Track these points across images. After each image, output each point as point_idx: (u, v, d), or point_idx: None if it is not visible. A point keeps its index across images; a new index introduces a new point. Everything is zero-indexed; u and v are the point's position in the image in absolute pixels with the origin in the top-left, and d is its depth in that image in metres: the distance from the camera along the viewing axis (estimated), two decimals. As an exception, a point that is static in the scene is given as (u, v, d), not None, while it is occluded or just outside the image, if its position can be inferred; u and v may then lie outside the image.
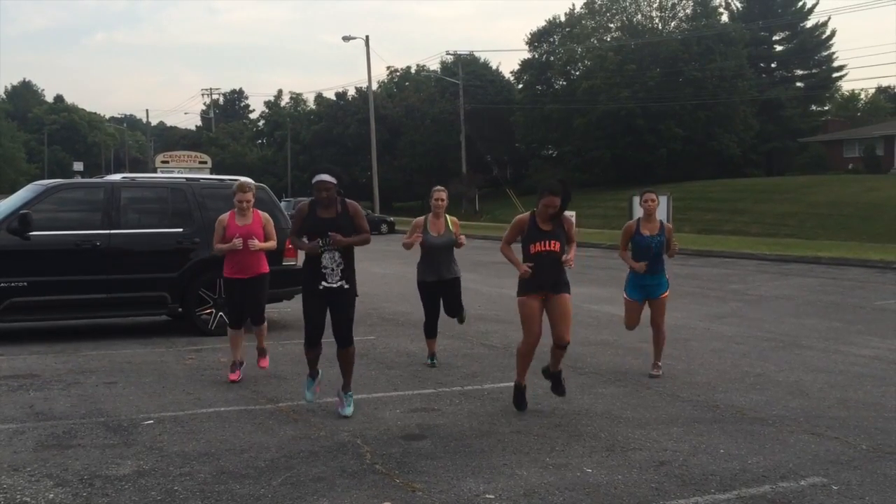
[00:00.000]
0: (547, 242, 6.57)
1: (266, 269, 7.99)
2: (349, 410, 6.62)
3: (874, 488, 5.10)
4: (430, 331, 8.70)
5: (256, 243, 7.77)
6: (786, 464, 5.54)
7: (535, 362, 6.99)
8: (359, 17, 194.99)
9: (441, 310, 8.73)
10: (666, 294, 8.31)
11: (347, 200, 6.63)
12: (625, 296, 8.41)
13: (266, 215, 8.10)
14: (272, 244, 8.00)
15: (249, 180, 11.85)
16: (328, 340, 6.75)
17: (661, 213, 31.65)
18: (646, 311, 8.36)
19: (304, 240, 6.56)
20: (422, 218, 8.63)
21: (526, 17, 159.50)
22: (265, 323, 8.08)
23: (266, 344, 8.16)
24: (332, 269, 6.46)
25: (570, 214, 35.82)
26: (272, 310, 12.04)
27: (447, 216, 8.59)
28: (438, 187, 8.81)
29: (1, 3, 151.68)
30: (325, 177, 6.46)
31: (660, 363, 8.32)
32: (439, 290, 8.59)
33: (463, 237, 8.59)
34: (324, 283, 6.49)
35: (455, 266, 8.64)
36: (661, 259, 8.23)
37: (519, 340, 6.95)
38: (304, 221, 6.55)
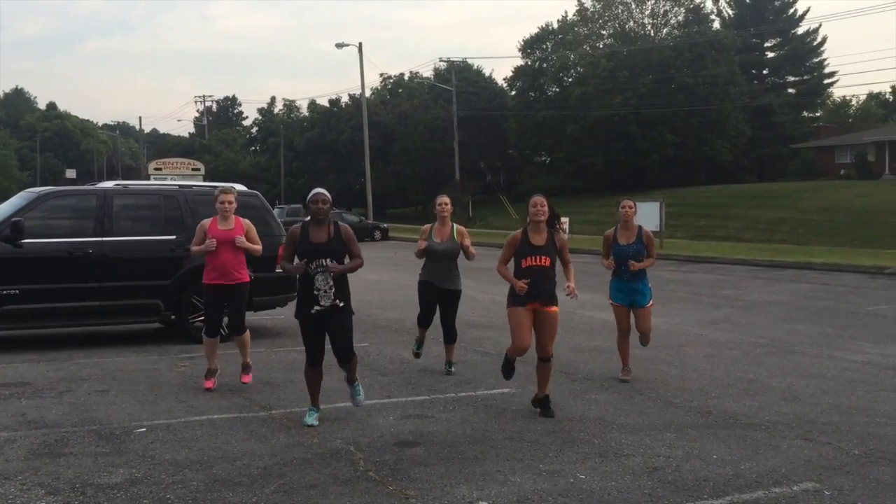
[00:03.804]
0: (538, 258, 6.73)
1: (247, 277, 7.96)
2: (361, 398, 6.75)
3: (866, 493, 5.12)
4: (424, 321, 8.72)
5: (242, 239, 7.75)
6: (778, 469, 5.55)
7: (527, 369, 6.99)
8: (352, 24, 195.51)
9: (437, 318, 8.71)
10: (651, 304, 8.36)
11: (340, 224, 6.63)
12: (611, 302, 8.46)
13: (248, 221, 8.05)
14: (258, 248, 7.97)
15: (243, 187, 11.91)
16: (329, 361, 6.73)
17: (654, 219, 31.42)
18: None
19: (292, 263, 6.55)
20: (428, 225, 8.74)
21: (518, 25, 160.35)
22: (247, 333, 7.98)
23: (249, 360, 8.04)
24: (325, 291, 6.42)
25: (564, 219, 35.71)
26: (265, 316, 12.03)
27: (454, 224, 8.65)
28: (441, 195, 8.89)
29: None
30: (322, 190, 6.58)
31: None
32: (438, 295, 8.59)
33: (473, 249, 8.63)
34: (316, 307, 6.44)
35: (458, 279, 8.65)
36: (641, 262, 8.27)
37: (507, 347, 7.03)
38: (296, 246, 6.52)
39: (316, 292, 6.41)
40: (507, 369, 7.19)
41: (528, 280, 6.69)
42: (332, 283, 6.43)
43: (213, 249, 7.70)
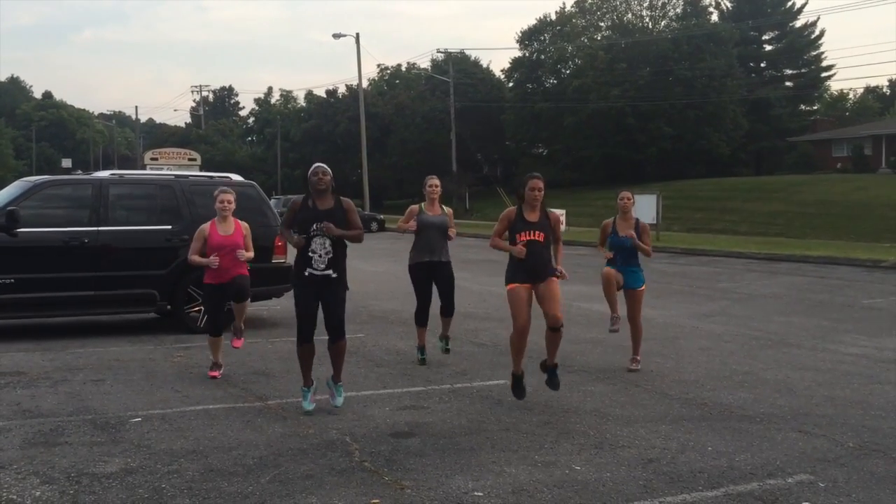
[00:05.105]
0: (532, 232, 6.84)
1: (246, 271, 7.99)
2: (339, 401, 6.71)
3: (860, 485, 5.13)
4: (422, 318, 8.68)
5: (244, 253, 7.83)
6: (773, 461, 5.57)
7: (534, 356, 7.01)
8: (349, 14, 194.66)
9: (434, 308, 8.73)
10: (643, 288, 8.45)
11: (342, 197, 6.74)
12: (604, 270, 8.50)
13: (246, 225, 8.06)
14: (250, 255, 7.99)
15: (239, 177, 11.90)
16: (320, 339, 6.73)
17: (651, 211, 31.43)
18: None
19: (293, 234, 6.59)
20: (416, 205, 8.74)
21: (516, 16, 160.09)
22: (247, 300, 8.08)
23: (242, 325, 8.12)
24: (320, 256, 6.49)
25: (560, 212, 35.77)
26: (261, 307, 12.03)
27: (443, 206, 8.71)
28: (431, 175, 8.91)
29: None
30: (323, 164, 6.76)
31: (638, 357, 8.51)
32: (432, 272, 8.58)
33: (453, 230, 8.64)
34: (309, 268, 6.50)
35: (447, 252, 8.67)
36: (636, 254, 8.41)
37: (509, 334, 7.01)
38: (297, 214, 6.62)
39: (311, 254, 6.49)
40: (518, 389, 6.99)
41: (525, 243, 6.76)
42: (328, 248, 6.51)
43: (216, 266, 7.72)
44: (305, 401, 6.67)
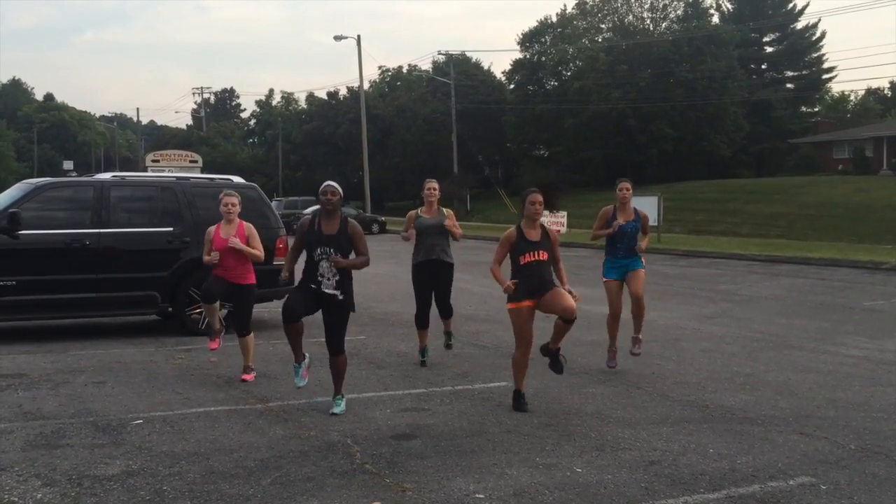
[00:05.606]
0: (536, 253, 6.75)
1: (253, 280, 7.96)
2: (339, 409, 6.70)
3: (862, 488, 5.13)
4: (422, 321, 8.69)
5: (236, 240, 7.72)
6: (775, 463, 5.56)
7: (537, 340, 6.98)
8: (349, 16, 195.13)
9: (433, 309, 8.74)
10: (643, 270, 8.54)
11: (350, 220, 6.69)
12: (603, 279, 8.61)
13: (250, 226, 8.00)
14: (258, 253, 7.92)
15: (240, 179, 11.91)
16: (315, 336, 6.73)
17: (652, 213, 31.51)
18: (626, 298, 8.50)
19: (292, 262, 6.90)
20: (414, 211, 8.79)
21: (517, 18, 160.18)
22: (251, 336, 7.95)
23: (252, 363, 7.98)
24: (328, 279, 6.52)
25: (562, 213, 35.40)
26: (263, 309, 12.02)
27: (442, 208, 8.73)
28: (430, 179, 8.93)
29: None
30: (334, 183, 6.71)
31: (640, 337, 8.62)
32: (432, 271, 8.57)
33: (458, 229, 8.64)
34: (317, 285, 6.53)
35: (450, 252, 8.68)
36: (636, 241, 8.49)
37: (511, 344, 7.01)
38: (304, 236, 6.64)
39: (320, 277, 6.53)
40: (519, 402, 6.92)
41: (515, 280, 6.67)
42: (335, 271, 6.53)
43: (216, 263, 7.76)
44: (297, 377, 6.73)
